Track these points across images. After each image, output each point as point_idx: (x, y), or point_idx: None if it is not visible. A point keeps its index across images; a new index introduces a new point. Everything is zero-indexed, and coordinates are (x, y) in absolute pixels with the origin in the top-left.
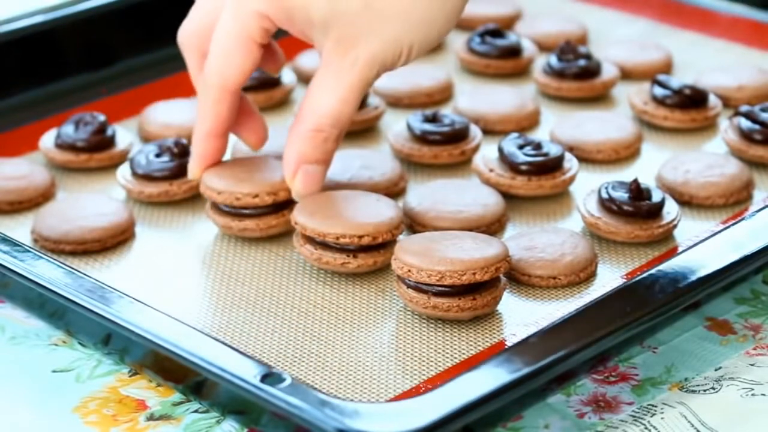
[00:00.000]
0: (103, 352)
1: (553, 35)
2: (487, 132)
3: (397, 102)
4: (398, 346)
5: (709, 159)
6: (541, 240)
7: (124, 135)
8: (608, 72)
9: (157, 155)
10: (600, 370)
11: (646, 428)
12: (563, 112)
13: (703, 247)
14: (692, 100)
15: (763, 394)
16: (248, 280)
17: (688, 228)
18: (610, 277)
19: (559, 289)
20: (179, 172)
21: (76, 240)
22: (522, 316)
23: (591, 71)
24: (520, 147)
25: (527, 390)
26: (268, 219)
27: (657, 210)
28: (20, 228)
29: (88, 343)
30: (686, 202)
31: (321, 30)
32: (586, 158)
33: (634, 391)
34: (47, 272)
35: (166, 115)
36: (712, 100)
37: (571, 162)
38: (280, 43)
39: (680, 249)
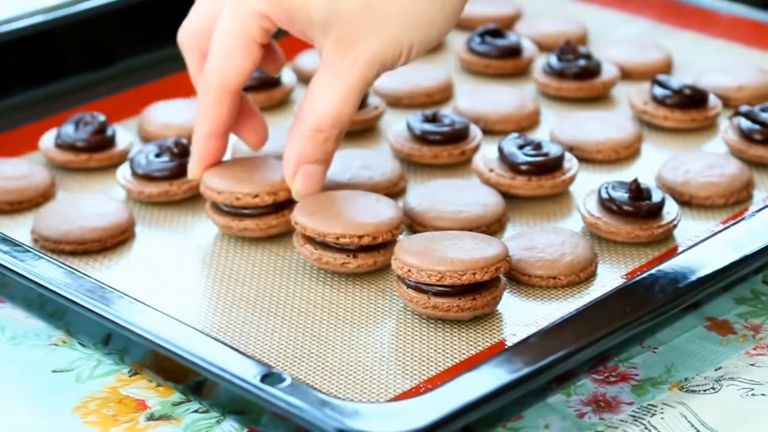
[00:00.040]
0: (103, 352)
1: (553, 35)
2: (487, 132)
3: (397, 102)
4: (398, 346)
5: (709, 159)
6: (541, 240)
7: (124, 135)
8: (608, 72)
9: (157, 155)
10: (600, 370)
11: (646, 428)
12: (563, 112)
13: (703, 247)
14: (692, 100)
15: (763, 394)
16: (248, 280)
17: (688, 228)
18: (610, 277)
19: (559, 289)
20: (179, 172)
21: (76, 240)
22: (522, 316)
23: (591, 71)
24: (520, 147)
25: (527, 390)
26: (268, 219)
27: (657, 210)
28: (20, 228)
29: (88, 343)
30: (686, 202)
31: (321, 30)
32: (586, 158)
33: (634, 391)
34: (47, 272)
35: (166, 115)
36: (712, 100)
37: (571, 162)
38: (280, 43)
39: (680, 249)
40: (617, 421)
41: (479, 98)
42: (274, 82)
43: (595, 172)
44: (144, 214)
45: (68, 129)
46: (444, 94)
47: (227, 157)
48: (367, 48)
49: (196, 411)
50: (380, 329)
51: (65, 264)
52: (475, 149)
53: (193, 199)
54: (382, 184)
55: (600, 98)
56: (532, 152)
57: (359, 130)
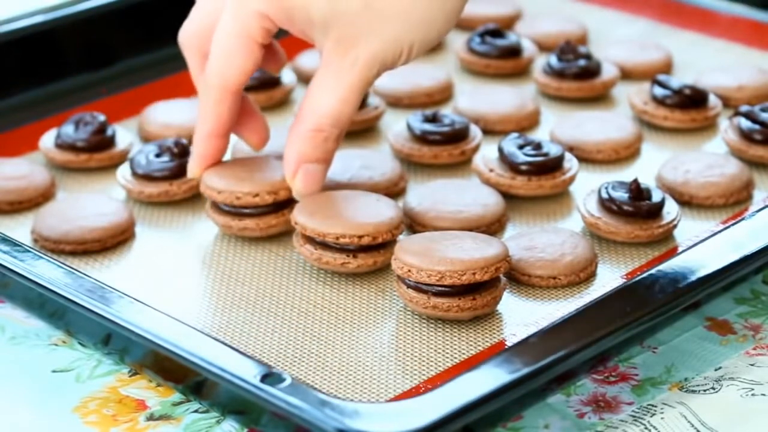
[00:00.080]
0: (103, 352)
1: (553, 35)
2: (487, 132)
3: (397, 102)
4: (398, 346)
5: (709, 159)
6: (541, 240)
7: (124, 135)
8: (608, 72)
9: (157, 155)
10: (600, 370)
11: (646, 428)
12: (563, 112)
13: (703, 247)
14: (692, 100)
15: (763, 394)
16: (248, 280)
17: (688, 228)
18: (610, 277)
19: (559, 289)
20: (179, 172)
21: (76, 240)
22: (522, 316)
23: (591, 71)
24: (520, 147)
25: (527, 390)
26: (268, 218)
27: (657, 210)
28: (20, 228)
29: (88, 343)
30: (686, 202)
31: (321, 30)
32: (586, 158)
33: (634, 391)
34: (47, 272)
35: (166, 115)
36: (712, 100)
37: (571, 162)
38: (280, 43)
39: (680, 249)
40: (617, 421)
41: (479, 98)
42: (274, 82)
43: (595, 172)
44: (144, 214)
45: (68, 129)
46: (444, 94)
47: (227, 156)
48: (367, 48)
49: (196, 411)
50: (380, 329)
51: (65, 264)
52: (475, 149)
53: (193, 199)
54: (382, 184)
55: (600, 98)
56: (532, 152)
57: (359, 130)
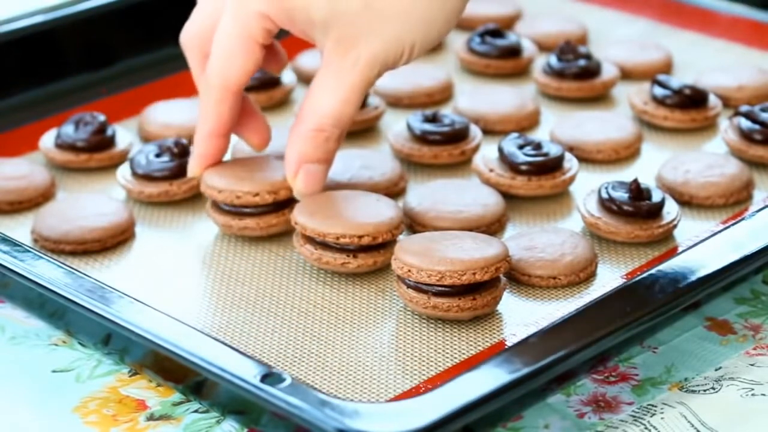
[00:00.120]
0: (103, 352)
1: (553, 35)
2: (487, 132)
3: (397, 102)
4: (398, 346)
5: (709, 159)
6: (540, 240)
7: (124, 135)
8: (608, 72)
9: (157, 155)
10: (600, 370)
11: (646, 428)
12: (563, 112)
13: (703, 247)
14: (692, 100)
15: (763, 394)
16: (248, 280)
17: (688, 228)
18: (610, 277)
19: (559, 289)
20: (179, 172)
21: (76, 240)
22: (522, 316)
23: (591, 71)
24: (520, 147)
25: (527, 390)
26: (268, 218)
27: (657, 210)
28: (20, 228)
29: (88, 343)
30: (686, 202)
31: (322, 30)
32: (586, 158)
33: (634, 391)
34: (47, 272)
35: (166, 115)
36: (712, 100)
37: (571, 162)
38: (280, 44)
39: (680, 249)
40: (617, 421)
41: (479, 98)
42: (274, 82)
43: (595, 172)
44: (144, 214)
45: (68, 129)
46: (444, 94)
47: (228, 156)
48: (368, 48)
49: (196, 411)
50: (380, 329)
51: (65, 264)
52: (475, 149)
53: (193, 199)
54: (382, 184)
55: (600, 98)
56: (532, 152)
57: (359, 130)
